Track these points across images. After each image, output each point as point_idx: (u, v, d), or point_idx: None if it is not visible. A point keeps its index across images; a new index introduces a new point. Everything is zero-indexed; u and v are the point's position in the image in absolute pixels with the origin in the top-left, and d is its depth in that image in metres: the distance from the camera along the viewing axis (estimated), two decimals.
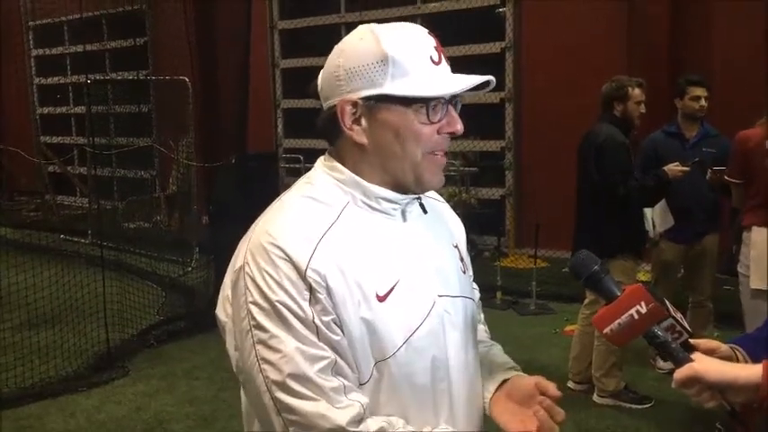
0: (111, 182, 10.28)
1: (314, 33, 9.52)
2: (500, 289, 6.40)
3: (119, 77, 10.09)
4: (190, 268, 7.61)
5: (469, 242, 1.54)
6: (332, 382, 1.19)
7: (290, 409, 1.18)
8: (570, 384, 4.57)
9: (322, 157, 1.35)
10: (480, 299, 1.60)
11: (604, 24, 7.15)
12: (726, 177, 3.98)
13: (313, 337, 1.19)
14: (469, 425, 1.38)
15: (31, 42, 12.98)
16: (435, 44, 1.27)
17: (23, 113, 12.92)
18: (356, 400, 1.20)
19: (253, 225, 1.30)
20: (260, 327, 1.20)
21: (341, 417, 1.17)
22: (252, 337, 1.20)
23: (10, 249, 7.17)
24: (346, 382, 1.20)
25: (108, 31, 11.05)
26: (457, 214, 1.56)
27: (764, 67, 5.87)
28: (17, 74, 12.14)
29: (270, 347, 1.19)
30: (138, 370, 5.14)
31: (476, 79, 1.26)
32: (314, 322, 1.19)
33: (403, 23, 1.29)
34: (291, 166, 9.07)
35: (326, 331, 1.20)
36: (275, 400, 1.19)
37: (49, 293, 5.75)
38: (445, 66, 1.27)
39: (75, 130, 12.29)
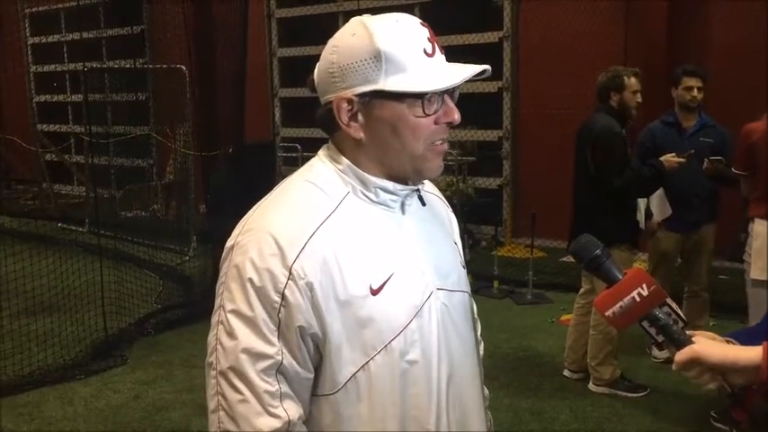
0: (108, 170, 10.26)
1: (311, 22, 9.49)
2: (497, 278, 6.39)
3: (116, 66, 10.07)
4: (187, 257, 7.62)
5: (467, 232, 1.54)
6: (271, 385, 1.20)
7: (224, 397, 1.21)
8: (566, 373, 4.60)
9: (325, 146, 1.36)
10: (477, 288, 1.61)
11: (602, 14, 7.13)
12: (733, 170, 4.05)
13: (272, 327, 1.19)
14: (468, 417, 1.38)
15: (28, 30, 12.90)
16: (429, 35, 1.25)
17: (20, 101, 12.84)
18: (285, 412, 1.20)
19: (255, 206, 1.32)
20: (225, 309, 1.23)
21: (263, 425, 1.19)
22: (218, 315, 1.24)
23: (7, 238, 7.14)
24: (285, 388, 1.21)
25: (105, 18, 11.01)
26: (454, 204, 1.56)
27: (765, 57, 5.86)
28: (13, 62, 12.10)
29: (227, 332, 1.21)
30: (136, 358, 5.15)
31: (470, 71, 1.24)
32: (278, 316, 1.19)
33: (396, 15, 1.27)
34: (289, 155, 9.05)
35: (286, 330, 1.20)
36: (218, 382, 1.22)
37: (47, 282, 5.75)
38: (439, 56, 1.25)
39: (72, 119, 12.25)
